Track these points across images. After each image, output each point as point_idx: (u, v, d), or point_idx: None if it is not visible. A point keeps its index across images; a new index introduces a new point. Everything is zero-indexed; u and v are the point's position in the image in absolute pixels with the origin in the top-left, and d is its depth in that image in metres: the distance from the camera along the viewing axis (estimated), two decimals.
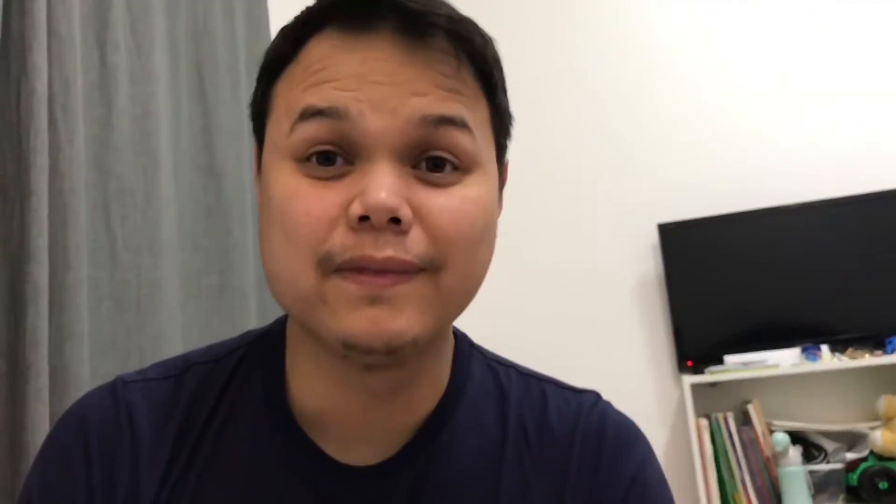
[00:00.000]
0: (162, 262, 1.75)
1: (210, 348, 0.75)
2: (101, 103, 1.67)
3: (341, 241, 0.57)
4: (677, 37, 3.25)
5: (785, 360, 2.79)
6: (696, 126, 3.17)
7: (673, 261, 3.02)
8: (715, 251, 2.99)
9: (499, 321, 2.61)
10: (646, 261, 3.13)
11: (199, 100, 2.02)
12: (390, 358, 0.59)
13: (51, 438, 0.69)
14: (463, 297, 0.62)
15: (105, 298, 1.62)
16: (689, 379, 2.81)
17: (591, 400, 0.75)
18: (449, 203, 0.59)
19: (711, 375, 2.83)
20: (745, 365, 2.81)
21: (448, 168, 0.59)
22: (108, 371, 1.58)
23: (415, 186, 0.58)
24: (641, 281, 3.14)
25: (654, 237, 3.06)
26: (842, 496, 2.66)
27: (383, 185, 0.56)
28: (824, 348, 2.78)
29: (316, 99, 0.58)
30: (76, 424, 0.67)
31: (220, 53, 2.08)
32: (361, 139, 0.57)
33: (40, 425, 1.33)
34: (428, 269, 0.58)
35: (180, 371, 0.72)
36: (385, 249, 0.56)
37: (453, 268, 0.59)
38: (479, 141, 0.61)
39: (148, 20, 1.82)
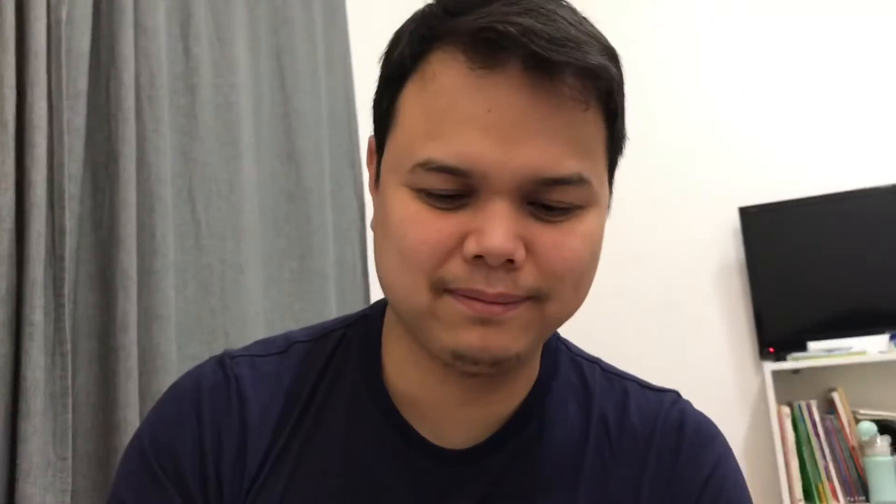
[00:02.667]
0: (244, 246, 1.81)
1: (310, 328, 0.78)
2: (185, 94, 1.73)
3: (455, 272, 0.59)
4: (762, 18, 3.17)
5: (871, 346, 2.71)
6: (777, 107, 3.08)
7: (754, 245, 2.95)
8: (797, 235, 2.91)
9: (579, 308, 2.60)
10: (727, 245, 3.07)
11: (280, 88, 2.07)
12: (493, 369, 0.62)
13: (165, 399, 0.72)
14: (564, 318, 0.65)
15: (190, 282, 1.68)
16: (771, 366, 2.75)
17: (671, 398, 0.77)
18: (560, 240, 0.60)
19: (794, 362, 2.77)
20: (829, 352, 2.74)
21: (560, 209, 0.60)
22: (194, 352, 1.65)
23: (528, 222, 0.59)
24: (722, 265, 3.08)
25: (735, 221, 3.00)
26: None
27: (500, 228, 0.57)
28: None
29: (439, 154, 0.58)
30: (190, 391, 0.71)
31: (298, 42, 2.12)
32: (479, 185, 0.58)
33: (131, 403, 1.40)
34: (534, 297, 0.60)
35: (282, 349, 0.75)
36: (497, 286, 0.59)
37: (558, 299, 0.61)
38: (594, 184, 0.61)
39: (229, 12, 1.87)
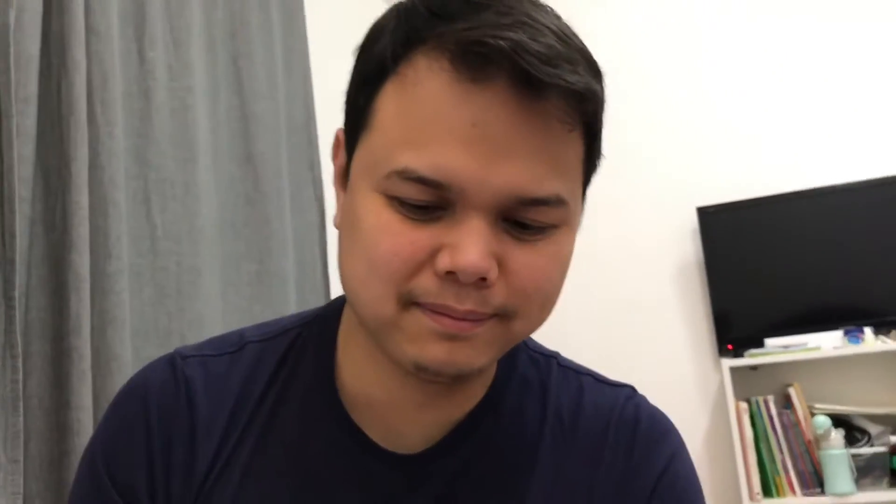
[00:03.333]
0: (201, 249, 1.81)
1: (263, 326, 0.76)
2: (139, 97, 1.73)
3: (425, 286, 0.58)
4: (717, 20, 3.22)
5: (826, 342, 2.77)
6: (735, 108, 3.14)
7: (712, 244, 3.00)
8: (755, 234, 2.97)
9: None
10: (685, 244, 3.11)
11: (237, 92, 2.07)
12: (454, 381, 0.63)
13: (113, 408, 0.72)
14: (527, 335, 0.66)
15: (146, 285, 1.68)
16: (729, 362, 2.80)
17: (626, 393, 0.77)
18: (532, 260, 0.59)
19: (752, 358, 2.82)
20: (786, 348, 2.79)
21: (535, 228, 0.59)
22: (150, 354, 1.65)
23: (503, 239, 0.58)
24: (681, 264, 3.12)
25: (693, 221, 3.04)
26: (886, 480, 2.63)
27: (476, 246, 0.56)
28: (868, 331, 2.75)
29: (419, 164, 0.56)
30: (138, 395, 0.70)
31: (256, 46, 2.13)
32: (457, 199, 0.57)
33: (84, 405, 1.40)
34: (501, 315, 0.60)
35: (235, 348, 0.74)
36: (466, 303, 0.58)
37: (524, 317, 0.61)
38: (570, 205, 0.60)
39: (185, 15, 1.88)
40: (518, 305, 0.60)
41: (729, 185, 3.02)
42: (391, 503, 0.69)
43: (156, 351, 1.67)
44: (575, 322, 2.97)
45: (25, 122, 1.41)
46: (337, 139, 0.68)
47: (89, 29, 1.55)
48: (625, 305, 3.11)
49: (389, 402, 0.69)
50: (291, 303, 2.11)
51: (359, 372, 0.70)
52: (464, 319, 0.58)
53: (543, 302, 0.62)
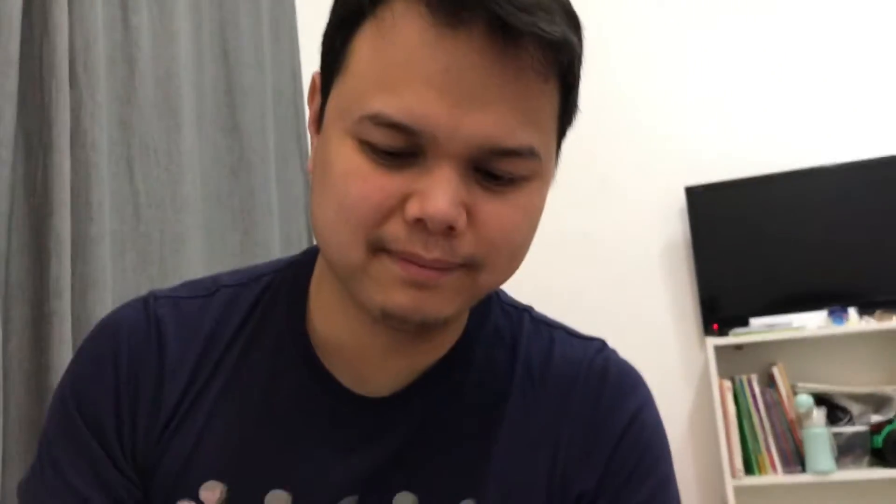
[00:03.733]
0: (185, 217, 1.81)
1: (238, 272, 0.78)
2: (123, 63, 1.72)
3: (394, 232, 0.58)
4: (704, 1, 3.22)
5: (811, 322, 2.78)
6: (723, 88, 3.13)
7: (700, 224, 3.00)
8: (742, 214, 2.97)
9: (525, 284, 2.61)
10: (673, 224, 3.12)
11: (223, 61, 2.07)
12: (420, 329, 0.63)
13: (85, 345, 0.73)
14: (494, 287, 0.66)
15: (128, 251, 1.68)
16: (714, 341, 2.81)
17: (596, 346, 0.78)
18: (502, 212, 0.59)
19: (736, 338, 2.83)
20: (770, 327, 2.81)
21: (506, 179, 0.59)
22: None
23: (473, 190, 0.58)
24: (669, 244, 3.13)
25: (681, 200, 3.05)
26: (866, 458, 2.65)
27: (445, 194, 0.56)
28: (851, 311, 2.76)
29: (391, 110, 0.56)
30: (109, 334, 0.72)
31: (242, 15, 2.12)
32: (428, 146, 0.57)
33: (63, 368, 1.40)
34: (468, 265, 0.60)
35: (209, 292, 0.75)
36: (434, 251, 0.58)
37: (492, 269, 0.61)
38: (542, 157, 0.60)
39: None
40: (486, 256, 0.60)
41: (717, 165, 3.02)
42: (358, 446, 0.70)
43: None
44: (562, 299, 2.97)
45: (6, 83, 1.41)
46: (313, 82, 0.68)
47: None
48: (612, 283, 3.12)
49: (358, 348, 0.70)
50: None
51: (329, 318, 0.71)
52: (431, 268, 0.59)
53: (512, 254, 0.62)
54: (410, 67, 0.56)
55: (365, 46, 0.59)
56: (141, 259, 1.71)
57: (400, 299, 0.60)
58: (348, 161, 0.58)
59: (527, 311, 0.80)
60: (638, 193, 3.15)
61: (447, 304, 0.61)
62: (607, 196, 3.14)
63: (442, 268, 0.59)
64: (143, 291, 1.66)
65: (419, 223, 0.57)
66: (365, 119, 0.57)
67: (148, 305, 0.73)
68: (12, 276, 1.43)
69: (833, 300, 2.81)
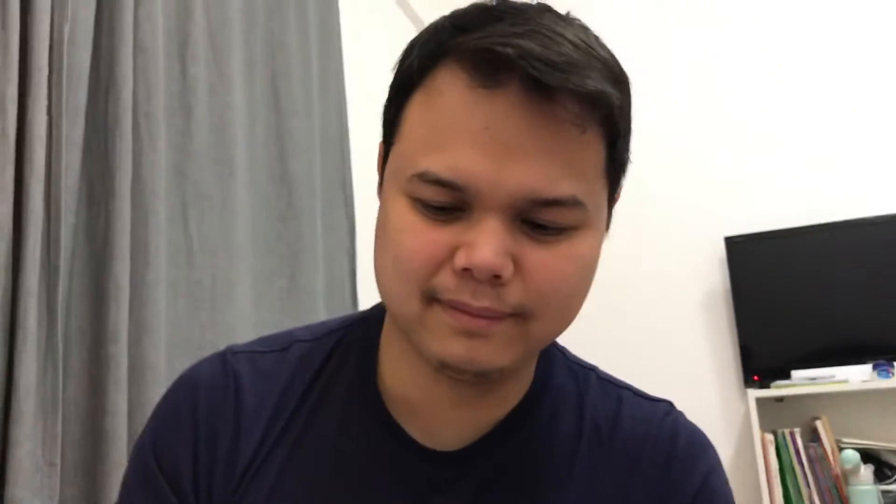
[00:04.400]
0: (235, 263, 1.84)
1: (312, 327, 0.79)
2: (181, 112, 1.76)
3: (445, 282, 0.60)
4: (750, 51, 3.24)
5: (854, 375, 2.75)
6: (766, 138, 3.14)
7: (740, 274, 3.00)
8: (783, 265, 2.96)
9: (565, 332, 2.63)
10: (713, 273, 3.11)
11: (274, 110, 2.11)
12: (478, 379, 0.64)
13: (166, 397, 0.75)
14: (550, 338, 0.68)
15: (181, 296, 1.71)
16: (755, 393, 2.78)
17: (664, 408, 0.78)
18: (549, 260, 0.60)
19: (778, 390, 2.80)
20: (813, 380, 2.77)
21: (553, 228, 0.61)
22: (182, 365, 1.65)
23: (520, 240, 0.60)
24: (708, 293, 3.12)
25: (721, 250, 3.04)
26: None
27: (489, 244, 0.58)
28: None
29: (437, 167, 0.59)
30: (188, 387, 0.74)
31: (293, 66, 2.17)
32: (474, 200, 0.59)
33: (119, 412, 1.42)
34: (519, 315, 0.61)
35: (284, 346, 0.76)
36: (482, 300, 0.60)
37: (543, 318, 0.62)
38: (588, 207, 0.61)
39: (226, 35, 1.92)
40: (535, 305, 0.61)
41: (757, 215, 3.02)
42: (426, 499, 0.70)
43: (187, 362, 1.65)
44: (602, 347, 2.96)
45: (74, 132, 1.45)
46: (379, 152, 0.71)
47: (137, 45, 1.59)
48: (652, 333, 3.11)
49: (425, 401, 0.71)
50: (320, 318, 2.12)
51: (397, 371, 0.72)
52: (480, 316, 0.60)
53: (563, 303, 0.63)
54: (453, 128, 0.59)
55: (415, 113, 0.63)
56: (192, 304, 1.73)
57: (454, 348, 0.61)
58: (402, 218, 0.62)
59: (593, 370, 0.80)
60: (678, 243, 3.15)
61: (501, 353, 0.62)
62: (648, 244, 3.14)
63: (491, 316, 0.60)
64: (194, 337, 1.71)
65: (467, 273, 0.59)
66: (415, 178, 0.60)
67: (226, 360, 0.75)
68: (72, 319, 1.45)
69: (877, 353, 2.78)
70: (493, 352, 0.62)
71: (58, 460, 1.33)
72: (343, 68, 2.43)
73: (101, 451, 1.41)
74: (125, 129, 1.52)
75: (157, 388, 1.51)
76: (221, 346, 1.72)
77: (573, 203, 0.60)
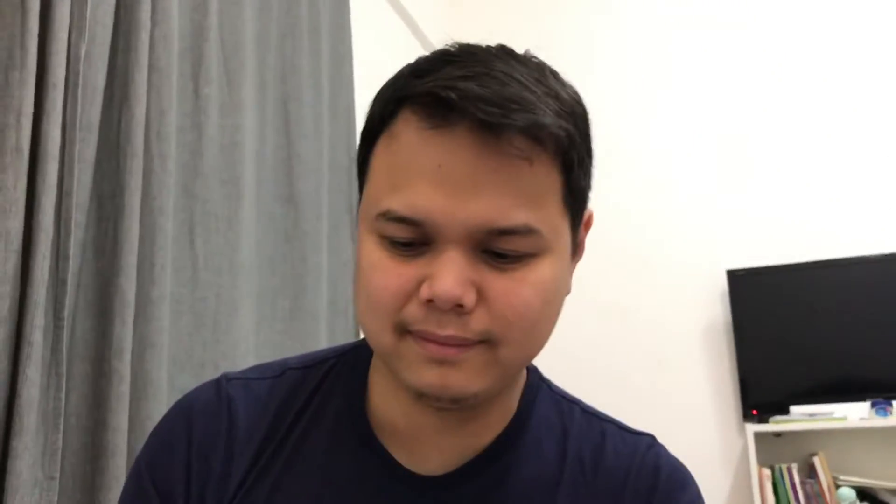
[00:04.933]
0: (240, 282, 1.85)
1: (305, 356, 0.83)
2: (191, 132, 1.79)
3: (413, 314, 0.63)
4: (750, 86, 3.26)
5: (853, 413, 2.75)
6: (770, 173, 3.16)
7: (741, 307, 3.00)
8: (784, 300, 2.97)
9: (564, 360, 2.62)
10: (714, 306, 3.12)
11: (284, 133, 2.13)
12: (455, 405, 0.66)
13: (163, 420, 0.78)
14: (521, 363, 0.70)
15: (185, 314, 1.72)
16: (754, 427, 2.78)
17: (647, 441, 0.80)
18: (510, 287, 0.63)
19: (776, 425, 2.80)
20: (812, 416, 2.78)
21: (512, 256, 0.63)
22: (184, 383, 1.68)
23: (481, 269, 0.63)
24: (709, 326, 3.12)
25: (722, 283, 3.05)
26: None
27: (450, 274, 0.61)
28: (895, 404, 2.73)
29: (397, 205, 0.63)
30: (183, 412, 0.77)
31: (305, 89, 2.19)
32: (434, 234, 0.62)
33: (121, 427, 1.43)
34: (487, 341, 0.64)
35: (276, 374, 0.80)
36: (447, 328, 0.63)
37: (510, 344, 0.64)
38: (545, 233, 0.64)
39: (240, 55, 1.94)
40: (501, 331, 0.64)
41: (760, 249, 3.03)
42: None
43: (189, 380, 1.70)
44: (602, 378, 2.97)
45: (86, 149, 1.47)
46: (357, 207, 0.75)
47: (151, 64, 1.62)
48: (652, 363, 3.11)
49: (411, 428, 0.73)
50: (322, 340, 2.14)
51: (384, 400, 0.75)
52: (448, 345, 0.63)
53: (528, 328, 0.65)
54: (410, 167, 0.63)
55: (378, 157, 0.67)
56: (196, 322, 1.75)
57: (427, 377, 0.64)
58: (371, 255, 0.65)
59: (577, 403, 0.82)
60: (680, 274, 3.16)
61: (472, 379, 0.65)
62: (650, 276, 3.15)
63: (458, 344, 0.63)
64: (196, 355, 1.72)
65: (431, 303, 0.62)
66: (380, 216, 0.64)
67: (220, 386, 0.78)
68: (76, 333, 1.47)
69: (875, 391, 2.78)
70: (465, 378, 0.64)
71: (57, 474, 1.34)
72: (353, 93, 2.45)
73: (101, 465, 1.42)
74: (137, 148, 1.54)
75: (158, 405, 1.53)
76: (223, 365, 1.75)
77: (527, 231, 0.63)
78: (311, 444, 0.75)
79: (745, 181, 3.18)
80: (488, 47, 0.67)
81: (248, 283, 1.90)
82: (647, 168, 3.26)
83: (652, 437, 0.81)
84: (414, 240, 0.63)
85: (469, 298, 0.62)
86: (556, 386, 0.83)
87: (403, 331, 0.64)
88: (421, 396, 0.66)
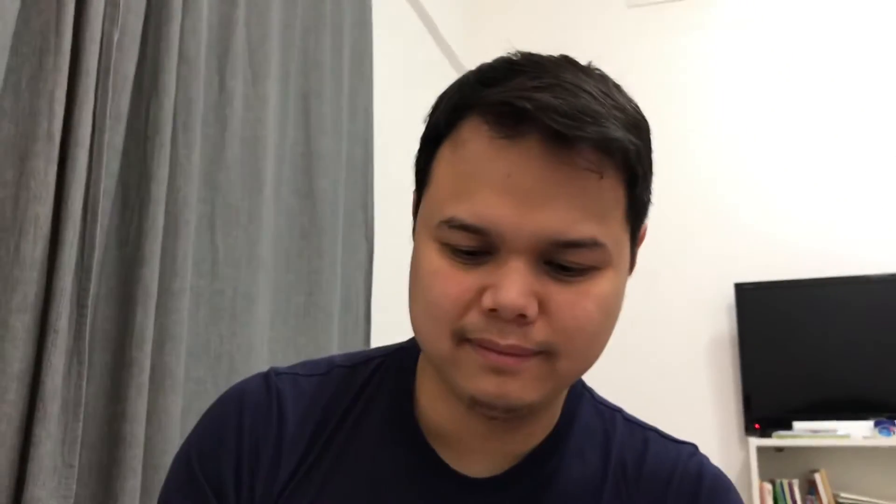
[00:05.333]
0: (257, 277, 1.85)
1: (351, 355, 0.83)
2: (216, 124, 1.78)
3: (473, 322, 0.63)
4: (761, 100, 3.27)
5: (856, 431, 2.76)
6: (782, 188, 3.17)
7: (747, 321, 3.01)
8: (791, 315, 2.97)
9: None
10: (720, 319, 3.12)
11: (304, 128, 2.13)
12: (508, 415, 0.67)
13: (211, 410, 0.78)
14: (577, 375, 0.70)
15: (203, 306, 1.72)
16: (756, 441, 2.79)
17: (689, 450, 0.81)
18: (573, 300, 0.63)
19: (779, 440, 2.81)
20: (815, 432, 2.78)
21: (576, 269, 0.63)
22: (199, 375, 1.68)
23: (544, 280, 0.63)
24: (715, 339, 3.13)
25: (730, 296, 3.06)
26: None
27: (514, 285, 0.61)
28: None
29: (463, 214, 0.62)
30: (234, 402, 0.77)
31: (325, 86, 2.19)
32: (499, 244, 0.62)
33: (139, 418, 1.43)
34: (546, 352, 0.64)
35: (323, 371, 0.80)
36: (509, 338, 0.63)
37: (569, 356, 0.65)
38: (609, 247, 0.64)
39: (264, 50, 1.94)
40: (561, 343, 0.64)
41: (769, 264, 3.04)
42: None
43: (204, 372, 1.70)
44: (604, 386, 2.96)
45: (115, 138, 1.47)
46: (413, 200, 0.75)
47: (181, 55, 1.61)
48: (657, 374, 3.12)
49: (458, 432, 0.74)
50: (334, 338, 2.13)
51: (431, 402, 0.75)
52: (508, 354, 0.63)
53: (587, 341, 0.65)
54: (478, 176, 0.63)
55: (442, 163, 0.67)
56: (213, 315, 1.74)
57: (484, 386, 0.64)
58: (431, 262, 0.65)
59: (619, 411, 0.83)
60: (688, 286, 3.16)
61: (529, 389, 0.65)
62: (658, 287, 3.16)
63: (519, 353, 0.63)
64: (213, 347, 1.71)
65: (494, 313, 0.62)
66: (443, 224, 0.64)
67: (269, 380, 0.78)
68: (97, 322, 1.46)
69: (879, 411, 2.79)
70: (522, 388, 0.64)
71: (76, 462, 1.33)
72: (373, 91, 2.45)
73: (117, 455, 1.41)
74: (164, 138, 1.54)
75: (175, 397, 1.52)
76: (238, 358, 1.75)
77: (593, 244, 0.63)
78: (359, 443, 0.75)
79: (756, 195, 3.19)
80: (552, 57, 0.67)
81: (264, 277, 1.90)
82: (656, 179, 3.26)
83: (694, 446, 0.82)
84: (476, 248, 0.63)
85: (532, 309, 0.62)
86: (597, 394, 0.84)
87: (462, 339, 0.64)
88: (475, 404, 0.66)
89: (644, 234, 0.73)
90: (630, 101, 0.67)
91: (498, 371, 0.64)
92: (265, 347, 1.90)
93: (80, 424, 1.34)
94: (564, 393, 0.78)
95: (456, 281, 0.64)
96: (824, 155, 3.16)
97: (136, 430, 1.42)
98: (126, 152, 1.52)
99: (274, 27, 2.00)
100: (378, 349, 0.83)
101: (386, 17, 2.66)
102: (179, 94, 1.61)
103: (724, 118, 3.31)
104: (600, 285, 0.65)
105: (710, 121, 3.33)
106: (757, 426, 2.90)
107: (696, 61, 3.40)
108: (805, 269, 2.99)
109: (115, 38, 1.44)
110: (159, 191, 1.52)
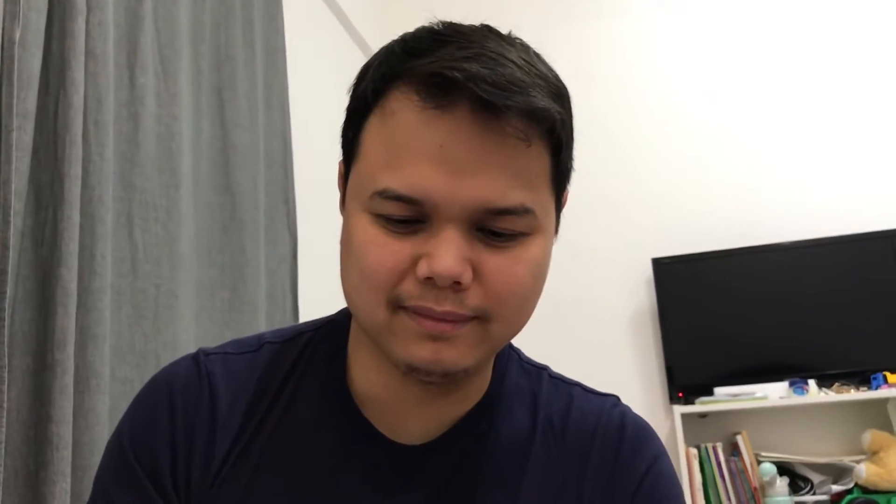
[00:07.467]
0: (179, 274, 1.83)
1: (281, 330, 0.84)
2: (128, 121, 1.76)
3: (409, 290, 0.65)
4: (672, 79, 3.37)
5: (773, 393, 2.88)
6: (692, 163, 3.27)
7: (666, 294, 3.11)
8: (708, 286, 3.08)
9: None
10: (640, 294, 3.21)
11: (219, 123, 2.11)
12: (444, 380, 0.68)
13: (141, 395, 0.78)
14: (509, 338, 0.72)
15: (125, 305, 1.69)
16: (680, 409, 2.89)
17: (612, 401, 0.84)
18: (505, 265, 0.65)
19: (701, 406, 2.91)
20: (734, 396, 2.89)
21: (507, 235, 0.66)
22: (126, 374, 1.66)
23: (476, 247, 0.65)
24: (636, 313, 3.22)
25: (648, 271, 3.15)
26: None
27: (449, 253, 0.63)
28: (812, 383, 2.87)
29: (395, 184, 0.63)
30: (164, 387, 0.76)
31: (239, 79, 2.18)
32: (432, 213, 0.64)
33: (65, 419, 1.40)
34: (480, 317, 0.66)
35: (254, 348, 0.80)
36: (445, 304, 0.64)
37: (502, 320, 0.67)
38: (538, 213, 0.66)
39: (175, 46, 1.92)
40: (494, 308, 0.66)
41: (684, 238, 3.14)
42: (392, 492, 0.74)
43: (131, 371, 1.68)
44: None
45: (23, 137, 1.44)
46: (339, 171, 0.76)
47: (88, 51, 1.59)
48: (579, 350, 3.18)
49: (392, 400, 0.75)
50: (261, 331, 2.12)
51: (365, 373, 0.76)
52: (443, 320, 0.65)
53: (518, 305, 0.68)
54: (409, 147, 0.64)
55: (372, 134, 0.67)
56: (136, 313, 1.72)
57: (421, 352, 0.66)
58: (365, 232, 0.66)
59: (545, 369, 0.86)
60: (606, 262, 3.24)
61: (465, 354, 0.67)
62: (577, 264, 3.22)
63: (454, 320, 0.65)
64: (137, 346, 1.69)
65: (429, 281, 0.64)
66: (376, 195, 0.65)
67: (199, 361, 0.78)
68: (15, 325, 1.43)
69: (794, 372, 2.91)
70: (458, 353, 0.67)
71: (0, 469, 1.30)
72: (287, 84, 2.44)
73: (44, 458, 1.39)
74: (75, 135, 1.51)
75: (101, 397, 1.50)
76: (164, 356, 1.73)
77: (523, 211, 0.65)
78: (294, 418, 0.76)
79: (667, 170, 3.28)
80: (475, 27, 0.69)
81: (187, 274, 1.88)
82: (576, 156, 3.33)
83: (616, 398, 0.85)
84: (410, 217, 0.65)
85: (467, 276, 0.64)
86: (524, 354, 0.87)
87: (397, 307, 0.66)
88: (412, 371, 0.67)
89: (566, 199, 0.76)
90: (551, 69, 0.70)
91: (434, 337, 0.65)
92: (192, 344, 1.88)
93: (3, 430, 1.32)
94: (492, 359, 0.80)
95: (390, 250, 0.65)
96: (732, 126, 3.27)
97: (63, 431, 1.40)
98: (36, 151, 1.49)
99: (183, 23, 1.98)
100: (308, 323, 0.84)
101: (297, 9, 2.66)
102: (89, 91, 1.58)
103: (636, 90, 3.39)
104: (530, 250, 0.67)
105: (622, 94, 3.41)
106: (680, 394, 3.00)
107: (613, 34, 3.48)
108: (719, 240, 3.09)
109: (17, 34, 1.41)
110: (74, 189, 1.49)
